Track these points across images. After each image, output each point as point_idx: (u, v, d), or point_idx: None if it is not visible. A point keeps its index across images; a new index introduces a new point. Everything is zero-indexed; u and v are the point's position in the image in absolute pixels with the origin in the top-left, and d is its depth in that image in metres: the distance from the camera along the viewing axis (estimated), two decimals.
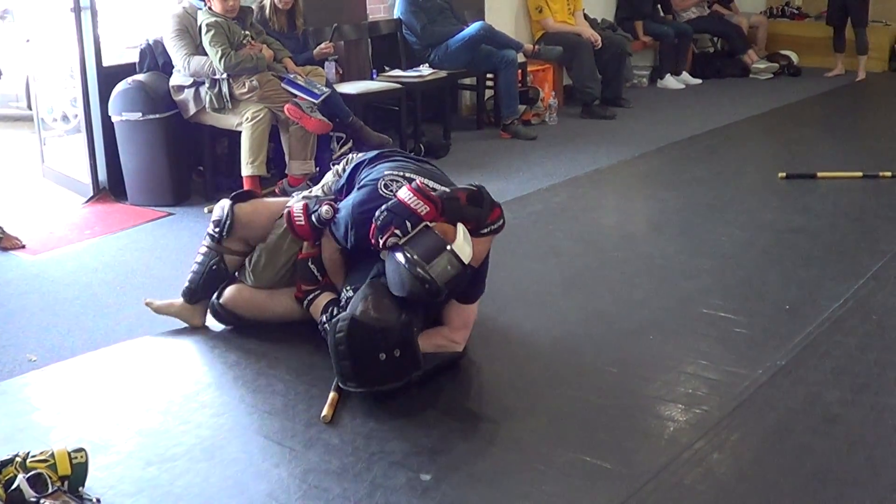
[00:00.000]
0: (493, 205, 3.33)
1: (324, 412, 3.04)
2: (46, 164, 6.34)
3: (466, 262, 3.12)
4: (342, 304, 3.42)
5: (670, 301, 4.01)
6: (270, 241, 3.67)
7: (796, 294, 4.01)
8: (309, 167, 5.55)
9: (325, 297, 3.54)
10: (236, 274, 3.78)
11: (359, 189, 3.52)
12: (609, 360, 3.44)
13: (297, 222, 3.53)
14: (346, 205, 3.49)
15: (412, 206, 3.18)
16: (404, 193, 3.22)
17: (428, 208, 3.17)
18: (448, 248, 3.09)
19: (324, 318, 3.47)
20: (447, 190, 3.35)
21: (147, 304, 3.83)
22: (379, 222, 3.20)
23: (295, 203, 3.63)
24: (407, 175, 3.44)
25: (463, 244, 3.14)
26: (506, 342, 3.64)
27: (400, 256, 3.11)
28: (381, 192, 3.38)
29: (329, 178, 3.85)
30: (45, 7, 5.94)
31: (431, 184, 3.40)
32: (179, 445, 2.91)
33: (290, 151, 5.51)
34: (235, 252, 3.74)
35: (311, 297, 3.58)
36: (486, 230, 3.30)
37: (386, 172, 3.47)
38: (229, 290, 3.77)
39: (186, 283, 3.75)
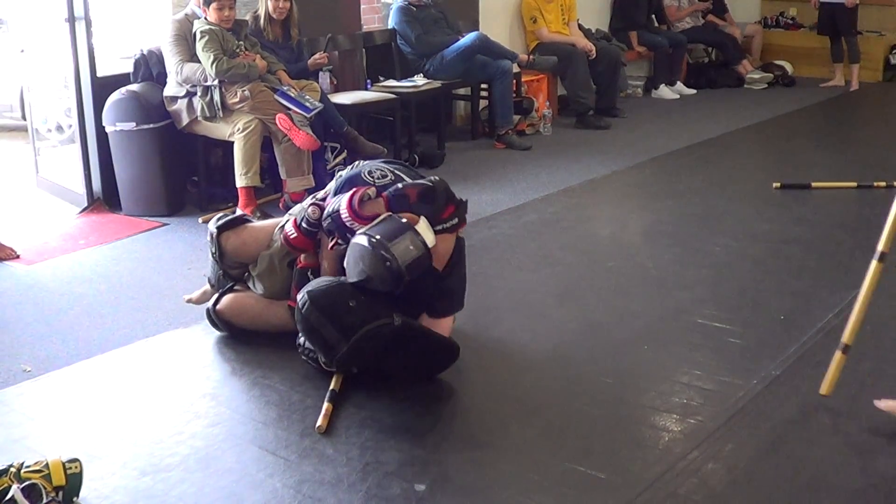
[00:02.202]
0: (449, 202, 3.35)
1: (319, 423, 3.04)
2: (41, 174, 6.33)
3: (430, 245, 3.18)
4: None
5: (665, 311, 4.01)
6: (274, 248, 3.70)
7: (791, 304, 4.02)
8: (308, 182, 5.53)
9: None
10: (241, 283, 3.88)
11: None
12: (603, 371, 3.45)
13: (291, 237, 3.57)
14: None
15: (347, 224, 3.33)
16: (343, 211, 3.34)
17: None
18: (411, 228, 3.18)
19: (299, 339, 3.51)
20: (399, 186, 3.37)
21: (188, 301, 4.01)
22: (325, 225, 3.42)
23: (286, 224, 3.64)
24: (395, 171, 3.50)
25: (426, 229, 3.21)
26: (500, 352, 3.64)
27: (363, 240, 3.19)
28: (364, 177, 3.47)
29: (332, 184, 3.86)
30: (40, 17, 5.94)
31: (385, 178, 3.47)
32: (174, 456, 2.91)
33: (286, 169, 5.50)
34: (235, 270, 3.85)
35: None
36: (439, 227, 3.31)
37: (376, 163, 3.58)
38: (226, 299, 3.80)
39: (208, 277, 3.94)
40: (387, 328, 3.19)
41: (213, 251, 3.83)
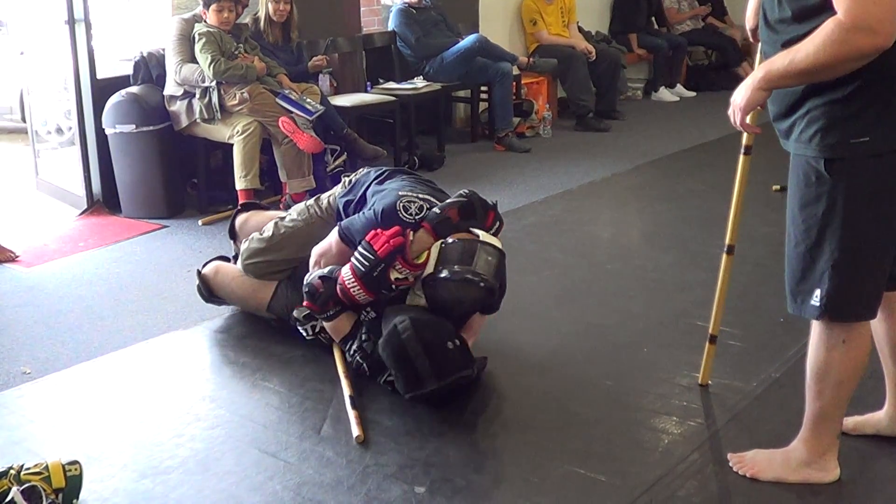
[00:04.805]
0: (486, 210, 3.40)
1: (356, 433, 3.00)
2: (40, 176, 6.33)
3: (500, 247, 3.24)
4: (364, 324, 3.42)
5: (664, 313, 4.01)
6: (265, 234, 3.80)
7: None
8: (308, 183, 5.54)
9: (348, 318, 3.45)
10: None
11: (374, 207, 3.44)
12: (603, 373, 3.45)
13: (360, 295, 3.30)
14: (362, 218, 3.42)
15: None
16: (401, 268, 3.24)
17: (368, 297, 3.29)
18: (478, 242, 3.21)
19: (354, 345, 3.41)
20: (437, 212, 3.32)
21: None
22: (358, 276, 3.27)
23: (343, 275, 3.32)
24: (420, 196, 3.39)
25: (488, 237, 3.26)
26: (500, 355, 3.63)
27: (445, 274, 3.18)
28: (401, 216, 3.31)
29: (337, 189, 3.85)
30: (40, 19, 5.94)
31: (425, 200, 3.38)
32: (173, 458, 2.91)
33: (286, 171, 5.50)
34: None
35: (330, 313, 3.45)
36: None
37: (401, 194, 3.40)
38: (212, 264, 4.01)
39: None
40: (468, 379, 3.23)
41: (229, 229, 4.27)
